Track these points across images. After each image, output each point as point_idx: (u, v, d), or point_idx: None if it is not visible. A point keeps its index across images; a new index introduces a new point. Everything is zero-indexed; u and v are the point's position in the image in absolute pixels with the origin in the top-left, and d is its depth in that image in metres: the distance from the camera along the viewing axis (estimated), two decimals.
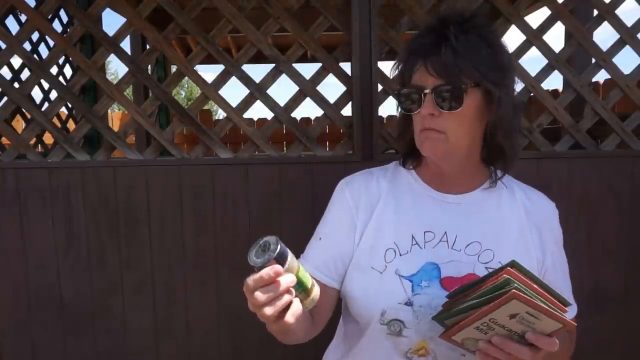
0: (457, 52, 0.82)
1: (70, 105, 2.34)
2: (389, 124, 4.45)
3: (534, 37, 1.52)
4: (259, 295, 0.66)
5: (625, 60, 1.65)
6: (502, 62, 0.87)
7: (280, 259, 0.67)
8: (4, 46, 1.56)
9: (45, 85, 2.01)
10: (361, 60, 1.50)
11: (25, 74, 1.74)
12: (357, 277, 0.94)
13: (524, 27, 1.51)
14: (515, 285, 0.70)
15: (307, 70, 1.68)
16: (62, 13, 2.38)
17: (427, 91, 0.84)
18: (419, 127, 0.89)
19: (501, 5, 1.50)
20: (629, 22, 1.53)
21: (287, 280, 0.68)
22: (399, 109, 0.92)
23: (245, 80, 1.54)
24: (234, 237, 1.55)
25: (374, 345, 0.92)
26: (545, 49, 1.52)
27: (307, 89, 1.54)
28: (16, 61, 1.74)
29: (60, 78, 2.30)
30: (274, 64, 1.54)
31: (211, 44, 1.52)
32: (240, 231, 1.55)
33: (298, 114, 15.27)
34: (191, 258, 1.56)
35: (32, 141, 1.94)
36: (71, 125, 2.41)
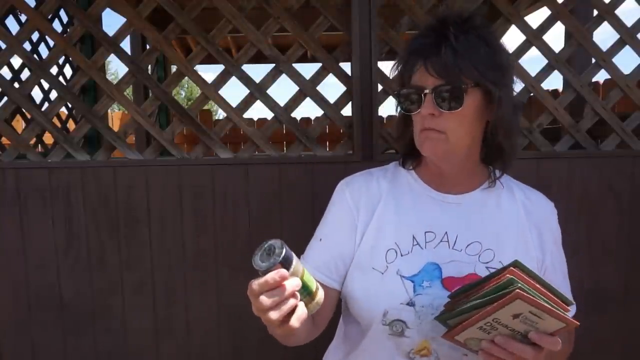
0: (457, 52, 0.82)
1: (70, 105, 2.34)
2: (389, 124, 4.45)
3: (534, 37, 1.52)
4: (264, 300, 0.66)
5: (625, 60, 1.65)
6: (501, 61, 0.87)
7: (286, 263, 0.66)
8: (4, 46, 1.56)
9: (45, 85, 2.01)
10: (361, 60, 1.50)
11: (25, 74, 1.75)
12: (358, 278, 0.94)
13: (524, 27, 1.51)
14: (519, 285, 0.70)
15: (307, 70, 1.68)
16: (62, 13, 2.38)
17: (427, 91, 0.85)
18: (419, 127, 0.89)
19: (501, 5, 1.50)
20: (629, 22, 1.53)
21: (292, 284, 0.67)
22: (399, 109, 0.92)
23: (245, 80, 1.54)
24: (234, 237, 1.55)
25: (376, 346, 0.92)
26: (545, 49, 1.52)
27: (307, 89, 1.54)
28: (16, 61, 1.75)
29: (60, 78, 2.30)
30: (274, 64, 1.54)
31: (211, 44, 1.52)
32: (240, 231, 1.55)
33: (298, 114, 15.29)
34: (191, 258, 1.56)
35: (32, 141, 1.94)
36: (71, 125, 2.41)
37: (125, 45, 2.14)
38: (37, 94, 1.97)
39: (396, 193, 0.97)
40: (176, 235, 1.55)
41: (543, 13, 1.94)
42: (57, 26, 2.34)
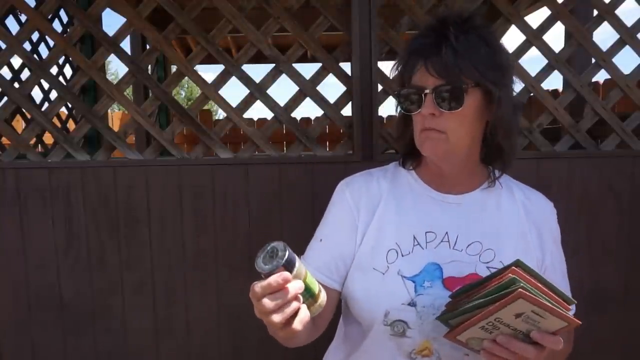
0: (457, 52, 0.82)
1: (70, 105, 2.34)
2: (389, 124, 4.45)
3: (534, 37, 1.52)
4: (267, 303, 0.65)
5: (625, 60, 1.65)
6: (501, 61, 0.87)
7: (289, 266, 0.66)
8: (4, 46, 1.56)
9: (45, 85, 2.01)
10: (361, 60, 1.50)
11: (25, 74, 1.74)
12: (358, 278, 0.94)
13: (524, 27, 1.51)
14: (522, 284, 0.70)
15: (307, 70, 1.68)
16: (62, 13, 2.38)
17: (427, 91, 0.85)
18: (419, 127, 0.89)
19: (501, 5, 1.50)
20: (629, 22, 1.53)
21: (295, 287, 0.66)
22: (399, 109, 0.93)
23: (245, 80, 1.54)
24: (234, 237, 1.55)
25: (377, 346, 0.92)
26: (545, 49, 1.52)
27: (307, 89, 1.54)
28: (16, 61, 1.75)
29: (60, 78, 2.29)
30: (274, 64, 1.54)
31: (211, 44, 1.52)
32: (240, 231, 1.55)
33: (298, 114, 15.29)
34: (191, 258, 1.56)
35: (32, 141, 1.94)
36: (71, 125, 2.41)
37: (125, 45, 2.14)
38: (37, 94, 1.98)
39: (396, 193, 0.97)
40: (176, 235, 1.55)
41: (543, 13, 1.95)
42: (57, 26, 2.34)
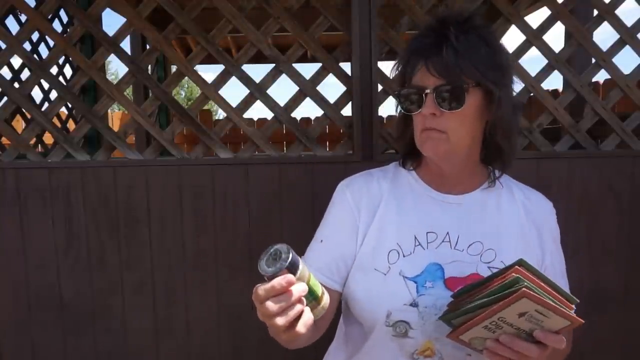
0: (458, 52, 0.82)
1: (70, 105, 2.34)
2: (389, 124, 4.45)
3: (534, 37, 1.52)
4: (271, 306, 0.64)
5: (625, 60, 1.65)
6: (501, 61, 0.88)
7: (292, 268, 0.66)
8: (4, 46, 1.56)
9: (45, 85, 2.01)
10: (361, 60, 1.50)
11: (25, 74, 1.75)
12: (360, 279, 0.94)
13: (524, 27, 1.51)
14: (525, 284, 0.71)
15: (307, 70, 1.68)
16: (62, 13, 2.38)
17: (428, 91, 0.85)
18: (420, 127, 0.89)
19: (501, 5, 1.50)
20: (629, 22, 1.53)
21: (299, 289, 0.66)
22: (399, 109, 0.93)
23: (245, 80, 1.54)
24: (234, 237, 1.55)
25: (379, 347, 0.92)
26: (545, 49, 1.52)
27: (307, 89, 1.54)
28: (16, 61, 1.75)
29: (60, 78, 2.29)
30: (274, 64, 1.54)
31: (211, 44, 1.52)
32: (240, 231, 1.55)
33: (298, 114, 15.29)
34: (191, 258, 1.56)
35: (32, 141, 1.94)
36: (71, 125, 2.41)
37: (125, 45, 2.14)
38: (37, 94, 1.97)
39: (397, 193, 0.97)
40: (176, 235, 1.55)
41: (543, 13, 1.95)
42: (57, 26, 2.34)
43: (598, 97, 1.54)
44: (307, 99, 1.57)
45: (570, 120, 1.54)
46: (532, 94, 1.55)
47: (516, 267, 0.75)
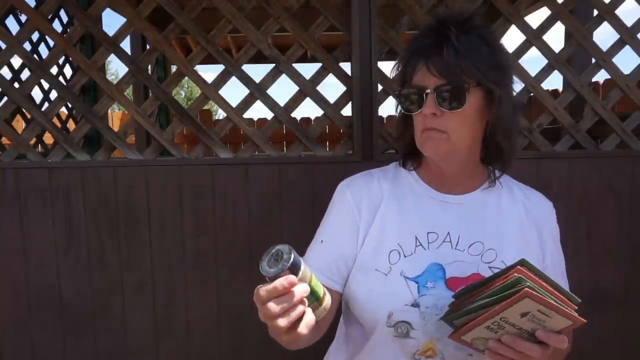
0: (458, 52, 0.82)
1: (70, 105, 2.34)
2: (389, 124, 4.45)
3: (534, 37, 1.52)
4: (273, 307, 0.64)
5: (625, 60, 1.65)
6: (501, 61, 0.88)
7: (294, 269, 0.65)
8: (4, 46, 1.56)
9: (45, 85, 2.01)
10: (361, 60, 1.50)
11: (25, 74, 1.74)
12: (361, 279, 0.93)
13: (524, 27, 1.51)
14: (528, 284, 0.71)
15: (307, 70, 1.68)
16: (62, 13, 2.37)
17: (428, 91, 0.85)
18: (421, 127, 0.89)
19: (501, 5, 1.50)
20: (629, 22, 1.53)
21: (301, 290, 0.66)
22: (399, 109, 0.93)
23: (245, 80, 1.54)
24: (234, 237, 1.55)
25: (380, 348, 0.92)
26: (545, 49, 1.52)
27: (307, 89, 1.54)
28: (16, 61, 1.75)
29: (60, 78, 2.29)
30: (274, 64, 1.54)
31: (211, 44, 1.52)
32: (240, 231, 1.55)
33: (298, 114, 15.28)
34: (191, 258, 1.56)
35: (32, 141, 1.94)
36: (71, 125, 2.41)
37: (125, 45, 2.14)
38: (37, 94, 1.97)
39: (398, 194, 0.97)
40: (176, 235, 1.55)
41: (543, 13, 1.95)
42: (57, 26, 2.34)
43: (598, 97, 1.54)
44: (307, 99, 1.57)
45: (570, 120, 1.54)
46: (532, 94, 1.55)
47: (518, 267, 0.75)
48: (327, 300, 0.74)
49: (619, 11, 1.53)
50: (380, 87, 1.53)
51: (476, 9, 1.51)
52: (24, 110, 1.69)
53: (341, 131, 2.28)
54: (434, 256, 0.91)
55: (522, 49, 1.53)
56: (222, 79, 1.54)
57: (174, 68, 3.09)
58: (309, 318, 0.69)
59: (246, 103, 1.56)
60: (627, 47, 1.54)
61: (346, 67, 1.56)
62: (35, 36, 1.85)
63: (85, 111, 1.54)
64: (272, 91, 1.55)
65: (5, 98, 1.57)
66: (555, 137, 1.70)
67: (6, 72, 1.96)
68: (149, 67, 3.04)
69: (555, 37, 2.09)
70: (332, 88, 2.03)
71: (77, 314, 1.58)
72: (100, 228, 1.55)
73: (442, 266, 0.90)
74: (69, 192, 1.53)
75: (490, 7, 1.54)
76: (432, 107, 0.85)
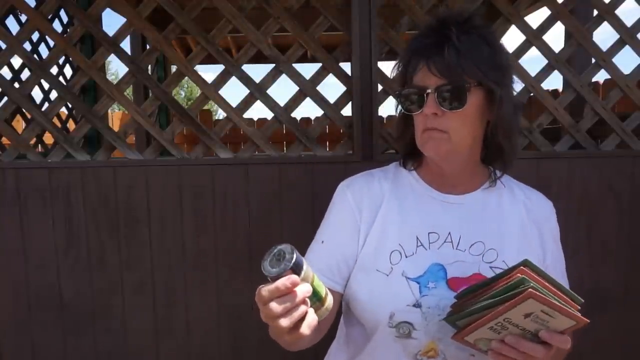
0: (460, 52, 0.82)
1: (70, 105, 2.34)
2: (389, 124, 4.45)
3: (534, 37, 1.52)
4: (275, 307, 0.63)
5: (625, 60, 1.65)
6: (502, 61, 0.88)
7: (296, 269, 0.64)
8: (4, 46, 1.56)
9: (45, 85, 2.01)
10: (361, 60, 1.50)
11: (25, 74, 1.74)
12: (362, 280, 0.93)
13: (524, 27, 1.51)
14: (531, 284, 0.70)
15: (307, 70, 1.68)
16: (62, 13, 2.37)
17: (429, 91, 0.85)
18: (421, 127, 0.89)
19: (501, 5, 1.50)
20: (629, 22, 1.53)
21: (303, 290, 0.65)
22: (399, 110, 0.92)
23: (245, 80, 1.54)
24: (234, 237, 1.55)
25: (382, 348, 0.92)
26: (545, 49, 1.52)
27: (307, 89, 1.54)
28: (16, 61, 1.75)
29: (60, 78, 2.29)
30: (274, 64, 1.54)
31: (211, 44, 1.52)
32: (240, 231, 1.55)
33: (298, 114, 15.28)
34: (191, 258, 1.56)
35: (32, 141, 1.94)
36: (71, 125, 2.41)
37: (125, 45, 2.14)
38: (37, 94, 1.97)
39: (398, 194, 0.97)
40: (176, 235, 1.55)
41: (543, 13, 1.95)
42: (57, 26, 2.34)
43: (598, 97, 1.55)
44: (307, 99, 1.57)
45: (570, 120, 1.54)
46: (532, 94, 1.55)
47: (521, 267, 0.75)
48: (329, 301, 0.74)
49: (619, 11, 1.54)
50: (380, 87, 1.53)
51: (476, 9, 1.51)
52: (24, 110, 1.68)
53: (341, 131, 2.28)
54: (435, 256, 0.91)
55: (522, 49, 1.53)
56: (222, 79, 1.54)
57: (174, 68, 3.09)
58: (311, 318, 0.69)
59: (246, 103, 1.56)
60: (627, 47, 1.54)
61: (346, 67, 1.56)
62: (35, 36, 1.85)
63: (85, 111, 1.54)
64: (272, 91, 1.55)
65: (6, 98, 1.57)
66: (555, 137, 1.70)
67: (6, 72, 1.96)
68: (149, 67, 3.03)
69: (555, 37, 2.09)
70: (332, 88, 2.03)
71: (77, 314, 1.58)
72: (100, 228, 1.55)
73: (443, 266, 0.90)
74: (69, 192, 1.53)
75: (490, 7, 1.55)
76: (433, 107, 0.84)
